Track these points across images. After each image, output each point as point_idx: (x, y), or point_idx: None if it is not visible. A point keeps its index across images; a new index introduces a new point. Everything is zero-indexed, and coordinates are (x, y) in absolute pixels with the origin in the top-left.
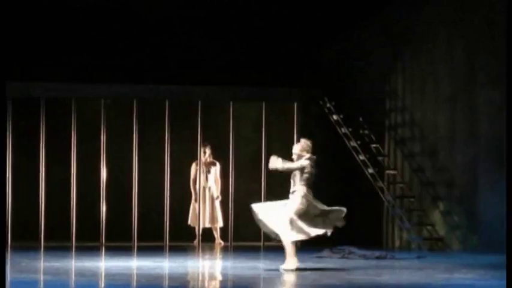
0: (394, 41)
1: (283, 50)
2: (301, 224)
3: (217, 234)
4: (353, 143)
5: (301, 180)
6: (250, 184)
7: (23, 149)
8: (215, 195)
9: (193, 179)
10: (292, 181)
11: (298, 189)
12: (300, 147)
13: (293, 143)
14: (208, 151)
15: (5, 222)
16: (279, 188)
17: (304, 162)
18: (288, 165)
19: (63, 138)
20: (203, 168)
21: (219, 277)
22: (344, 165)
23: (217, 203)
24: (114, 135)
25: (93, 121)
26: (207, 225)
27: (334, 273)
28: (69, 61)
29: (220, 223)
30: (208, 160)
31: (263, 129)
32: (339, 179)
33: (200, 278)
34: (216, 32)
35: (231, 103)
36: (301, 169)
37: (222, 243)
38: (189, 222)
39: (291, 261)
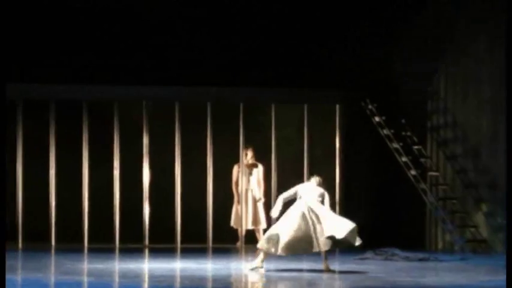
0: (437, 42)
1: (326, 52)
2: None
3: (260, 236)
4: (395, 145)
5: None
6: (292, 186)
7: (67, 152)
8: (257, 197)
9: (235, 181)
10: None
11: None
12: None
13: (335, 145)
14: (250, 153)
15: (5, 222)
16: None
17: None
18: None
19: (106, 140)
20: (245, 171)
21: (262, 279)
22: (386, 167)
23: (259, 205)
24: (156, 137)
25: (136, 123)
26: (250, 227)
27: (377, 275)
28: (111, 64)
29: (263, 225)
30: (250, 162)
31: (305, 131)
32: (381, 181)
33: (243, 280)
34: (259, 34)
35: (273, 105)
36: None
37: None
38: (232, 224)
39: None
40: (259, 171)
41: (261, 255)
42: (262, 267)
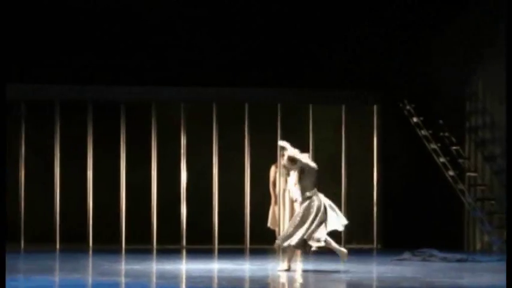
0: (475, 43)
1: (365, 53)
2: None
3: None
4: (433, 146)
5: None
6: (330, 186)
7: (104, 153)
8: (294, 198)
9: (272, 182)
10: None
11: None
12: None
13: (373, 146)
14: (287, 154)
15: (6, 221)
16: (357, 190)
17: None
18: None
19: (143, 141)
20: (282, 171)
21: (299, 280)
22: (424, 168)
23: (296, 206)
24: (193, 138)
25: (173, 125)
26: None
27: (414, 276)
28: (150, 65)
29: None
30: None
31: (343, 131)
32: (419, 181)
33: (281, 281)
34: (297, 35)
35: (311, 106)
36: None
37: None
38: (269, 224)
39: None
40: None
41: (289, 256)
42: (289, 268)
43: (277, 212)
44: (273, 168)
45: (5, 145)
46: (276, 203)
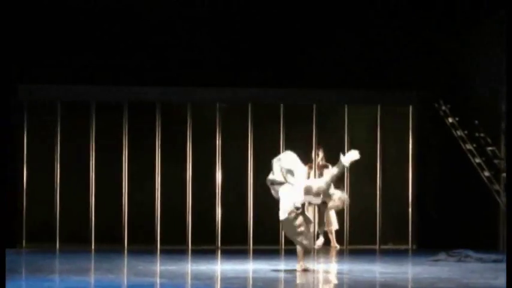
0: None
1: (400, 53)
2: None
3: (332, 237)
4: (469, 146)
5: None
6: (365, 187)
7: (139, 153)
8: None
9: None
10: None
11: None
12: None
13: (408, 146)
14: (321, 154)
15: (6, 221)
16: (393, 190)
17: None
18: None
19: (179, 141)
20: (316, 171)
21: (335, 281)
22: (459, 168)
23: (330, 205)
24: (229, 138)
25: (209, 125)
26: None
27: (450, 277)
28: (186, 66)
29: (335, 226)
30: (321, 163)
31: (378, 132)
32: (454, 182)
33: (315, 282)
34: (334, 36)
35: (346, 106)
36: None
37: (338, 246)
38: None
39: None
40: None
41: (301, 256)
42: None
43: (311, 212)
44: (307, 169)
45: (7, 145)
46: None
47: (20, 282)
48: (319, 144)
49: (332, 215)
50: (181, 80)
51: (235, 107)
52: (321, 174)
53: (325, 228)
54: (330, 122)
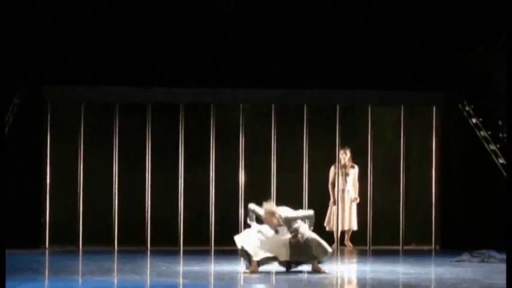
0: None
1: (424, 54)
2: None
3: (347, 236)
4: (492, 147)
5: None
6: (388, 188)
7: (162, 154)
8: (353, 197)
9: (331, 182)
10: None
11: None
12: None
13: (432, 147)
14: (348, 154)
15: (6, 221)
16: (416, 190)
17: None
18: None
19: (202, 143)
20: (342, 171)
21: (356, 281)
22: (483, 168)
23: (354, 206)
24: (252, 139)
25: (232, 126)
26: (346, 227)
27: (473, 277)
28: (209, 67)
29: (354, 226)
30: (348, 163)
31: (401, 132)
32: (478, 182)
33: (339, 283)
34: (357, 36)
35: (370, 106)
36: None
37: (351, 246)
38: (325, 224)
39: None
40: (355, 172)
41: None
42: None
43: (336, 213)
44: (332, 169)
45: (6, 146)
46: (334, 203)
47: (44, 282)
48: (346, 145)
49: (353, 216)
50: (205, 81)
51: (258, 108)
52: (347, 175)
53: (331, 229)
54: (353, 122)
